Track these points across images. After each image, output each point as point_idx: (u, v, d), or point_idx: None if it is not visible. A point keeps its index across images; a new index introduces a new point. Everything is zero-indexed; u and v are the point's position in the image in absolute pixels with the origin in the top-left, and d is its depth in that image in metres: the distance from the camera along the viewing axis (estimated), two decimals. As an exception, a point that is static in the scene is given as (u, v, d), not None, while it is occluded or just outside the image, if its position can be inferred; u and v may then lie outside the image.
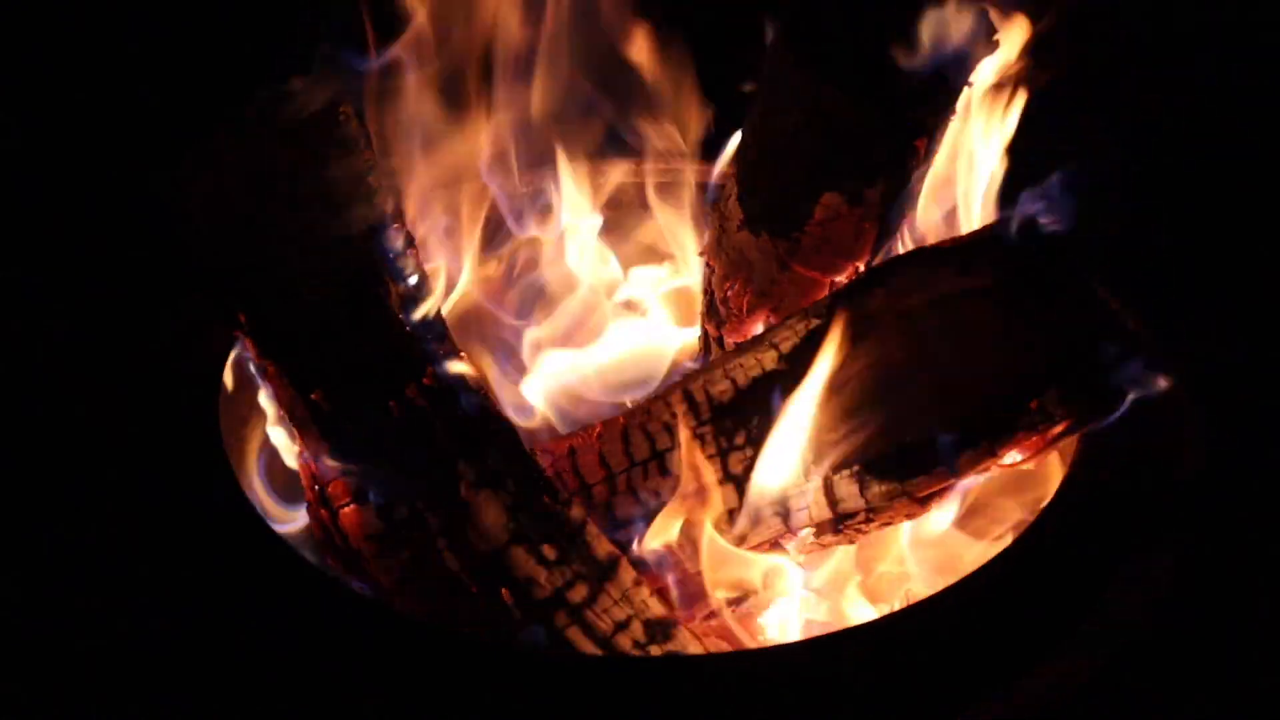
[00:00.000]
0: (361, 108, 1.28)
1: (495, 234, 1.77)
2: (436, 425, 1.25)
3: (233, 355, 1.50)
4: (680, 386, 1.36)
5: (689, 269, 1.78)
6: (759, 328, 1.53)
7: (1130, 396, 1.27)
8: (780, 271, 1.50)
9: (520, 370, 1.72)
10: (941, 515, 1.44)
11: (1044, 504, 1.36)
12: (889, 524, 1.34)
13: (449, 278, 1.63)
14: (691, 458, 1.29)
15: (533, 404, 1.66)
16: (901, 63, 1.37)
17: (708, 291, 1.61)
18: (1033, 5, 1.38)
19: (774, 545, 1.35)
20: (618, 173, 1.80)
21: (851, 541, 1.36)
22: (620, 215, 1.82)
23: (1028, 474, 1.44)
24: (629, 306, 1.80)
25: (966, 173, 1.48)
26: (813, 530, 1.33)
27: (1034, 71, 1.40)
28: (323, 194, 1.20)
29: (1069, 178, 1.31)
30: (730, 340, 1.57)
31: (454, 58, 1.55)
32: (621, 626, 1.26)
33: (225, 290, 1.23)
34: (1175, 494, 1.40)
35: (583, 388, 1.69)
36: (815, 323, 1.33)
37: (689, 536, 1.31)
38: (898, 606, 1.39)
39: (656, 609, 1.29)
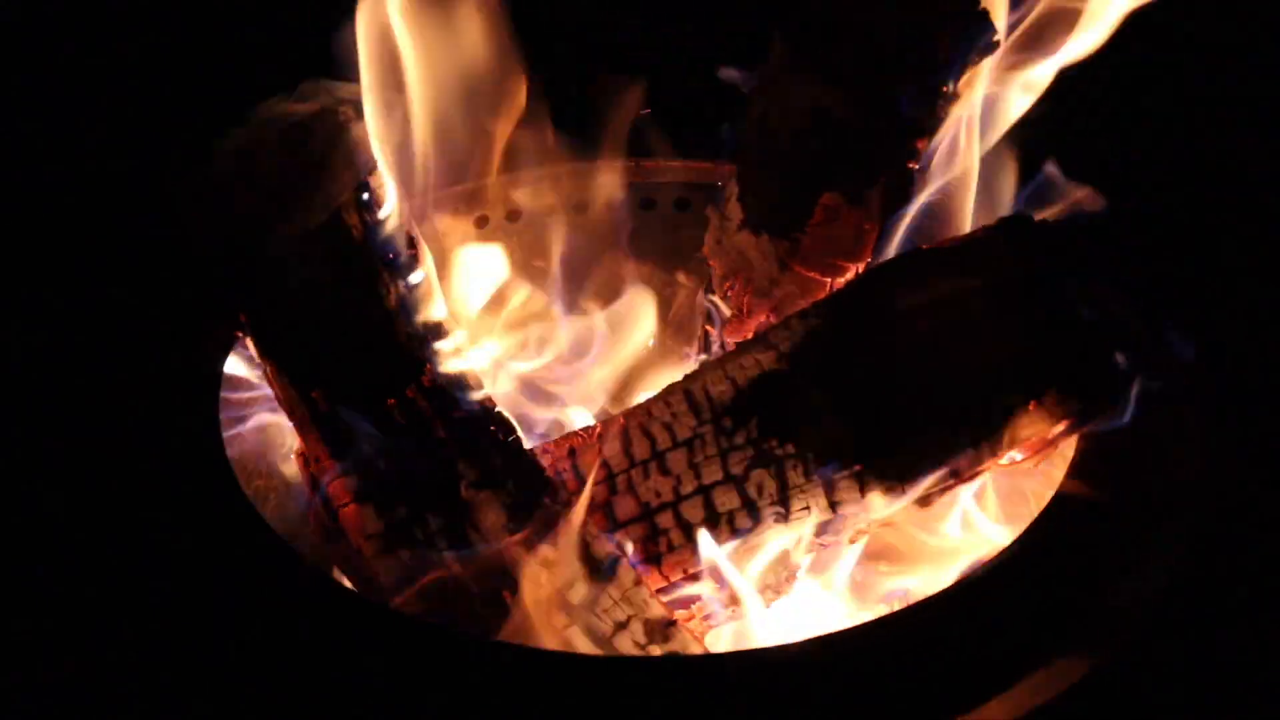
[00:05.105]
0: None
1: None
2: (436, 425, 1.25)
3: (232, 355, 1.50)
4: (680, 386, 1.36)
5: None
6: (759, 328, 1.53)
7: (1130, 396, 1.27)
8: (780, 271, 1.50)
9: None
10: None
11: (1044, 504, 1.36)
12: (889, 524, 1.34)
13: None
14: None
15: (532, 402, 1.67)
16: (902, 63, 1.37)
17: (708, 292, 1.61)
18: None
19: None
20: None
21: (851, 541, 1.36)
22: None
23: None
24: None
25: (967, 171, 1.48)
26: (813, 530, 1.33)
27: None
28: (323, 194, 1.20)
29: (1067, 177, 1.31)
30: (730, 340, 1.57)
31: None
32: (621, 626, 1.26)
33: (225, 290, 1.23)
34: (1175, 494, 1.40)
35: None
36: (815, 323, 1.33)
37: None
38: (897, 607, 1.39)
39: (656, 609, 1.29)
